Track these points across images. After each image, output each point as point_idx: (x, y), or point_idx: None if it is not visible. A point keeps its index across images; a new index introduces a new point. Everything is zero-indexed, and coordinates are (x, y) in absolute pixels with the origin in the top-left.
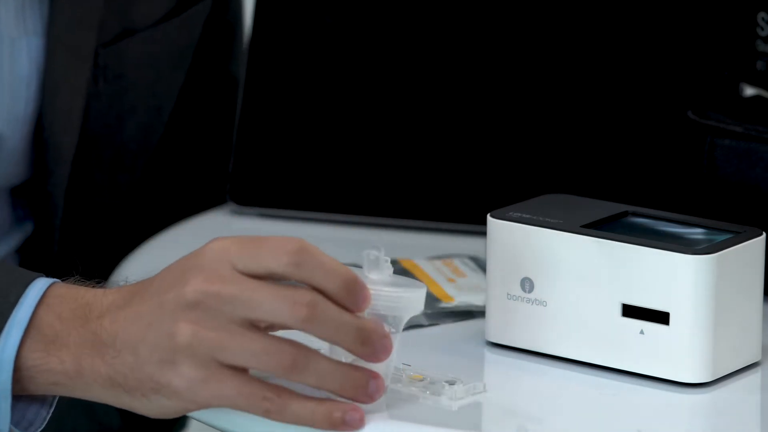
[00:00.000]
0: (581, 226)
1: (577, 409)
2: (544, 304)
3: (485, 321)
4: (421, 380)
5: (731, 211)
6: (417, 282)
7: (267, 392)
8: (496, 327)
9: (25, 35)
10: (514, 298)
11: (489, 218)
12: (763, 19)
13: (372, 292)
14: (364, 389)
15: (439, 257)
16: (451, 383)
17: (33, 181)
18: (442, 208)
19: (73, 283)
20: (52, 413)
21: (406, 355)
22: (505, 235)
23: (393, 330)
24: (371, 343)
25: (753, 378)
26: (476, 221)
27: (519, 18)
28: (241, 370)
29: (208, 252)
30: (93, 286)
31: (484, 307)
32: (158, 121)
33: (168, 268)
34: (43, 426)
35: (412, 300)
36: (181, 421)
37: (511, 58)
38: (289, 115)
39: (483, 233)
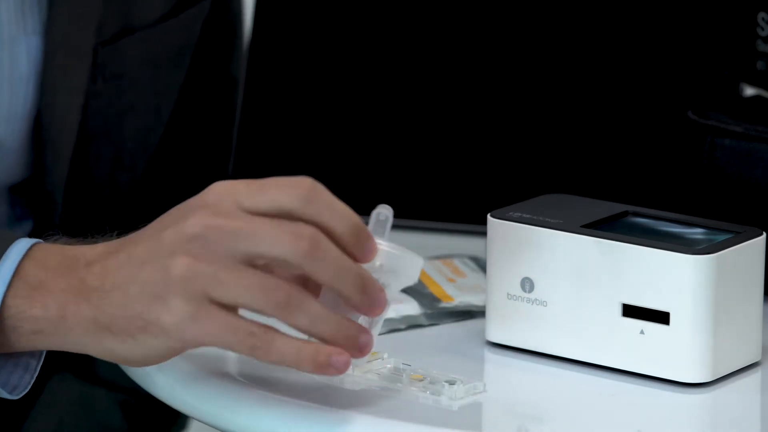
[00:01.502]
0: (581, 226)
1: (577, 409)
2: (545, 304)
3: (485, 321)
4: (421, 380)
5: (731, 211)
6: (414, 255)
7: (254, 328)
8: (496, 327)
9: (24, 34)
10: (514, 298)
11: (489, 218)
12: (763, 19)
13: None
14: (355, 340)
15: (438, 257)
16: (451, 383)
17: (32, 179)
18: (442, 208)
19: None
20: (52, 413)
21: (407, 355)
22: (506, 234)
23: (390, 294)
24: (369, 293)
25: (753, 378)
26: (476, 221)
27: (519, 18)
28: (231, 309)
29: (212, 189)
30: (80, 243)
31: (484, 307)
32: (157, 121)
33: (167, 213)
34: (28, 389)
35: (412, 263)
36: (181, 421)
37: (511, 58)
38: (289, 116)
39: (483, 233)
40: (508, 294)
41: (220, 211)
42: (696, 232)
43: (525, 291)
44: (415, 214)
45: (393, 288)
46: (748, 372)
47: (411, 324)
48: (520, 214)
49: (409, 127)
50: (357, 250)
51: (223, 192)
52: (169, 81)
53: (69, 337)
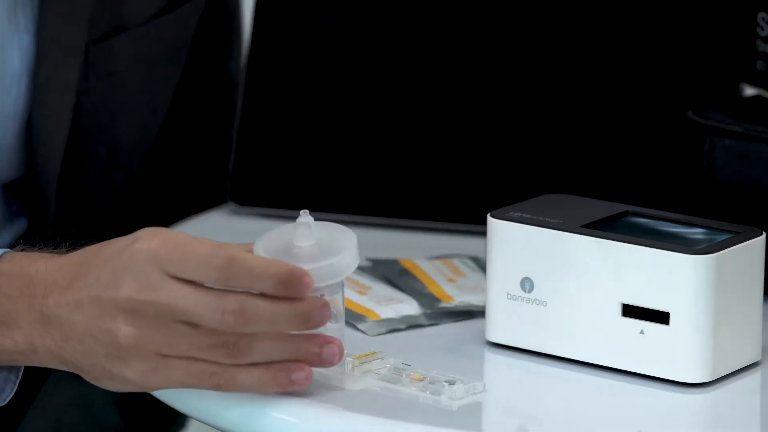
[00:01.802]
0: (581, 226)
1: (577, 409)
2: (545, 304)
3: (485, 321)
4: (421, 380)
5: (731, 211)
6: (344, 234)
7: (214, 368)
8: (496, 327)
9: (17, 32)
10: (515, 298)
11: (489, 218)
12: (763, 19)
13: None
14: (318, 356)
15: (438, 257)
16: (451, 383)
17: (26, 177)
18: (442, 208)
19: (20, 250)
20: (49, 413)
21: (407, 355)
22: (506, 235)
23: (336, 292)
24: (311, 318)
25: (753, 378)
26: (476, 221)
27: (519, 18)
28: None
29: (138, 255)
30: (39, 250)
31: (484, 307)
32: (153, 119)
33: (101, 255)
34: (13, 393)
35: (342, 265)
36: (181, 420)
37: (512, 58)
38: (289, 116)
39: (483, 233)
40: (508, 294)
41: (148, 283)
42: (696, 232)
43: (525, 291)
44: (415, 214)
45: (338, 285)
46: (747, 372)
47: (411, 324)
48: (520, 214)
49: (410, 127)
50: (293, 295)
51: (147, 259)
52: (164, 79)
53: (45, 364)
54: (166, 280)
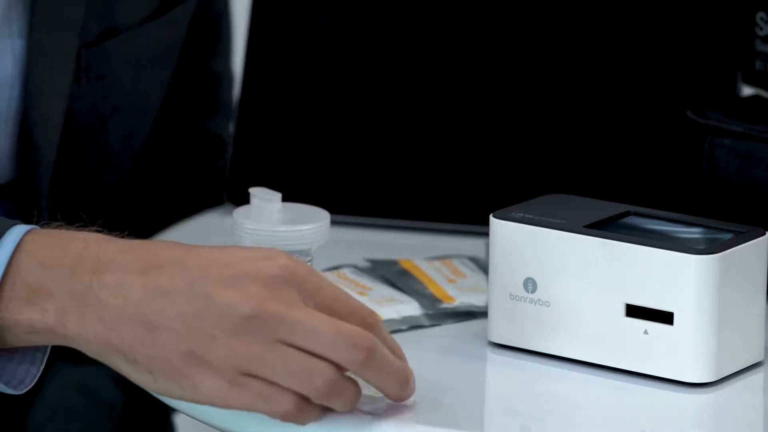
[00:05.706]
0: (584, 227)
1: (581, 409)
2: (547, 304)
3: (488, 321)
4: None
5: (731, 210)
6: (317, 210)
7: (292, 398)
8: (498, 327)
9: (9, 37)
10: (517, 298)
11: (492, 218)
12: (762, 18)
13: (282, 232)
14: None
15: (438, 258)
16: None
17: (18, 180)
18: (442, 208)
19: (56, 228)
20: (51, 398)
21: (408, 356)
22: (508, 235)
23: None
24: (408, 387)
25: (756, 378)
26: (476, 221)
27: (519, 18)
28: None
29: (273, 267)
30: (78, 229)
31: (485, 307)
32: (142, 121)
33: (208, 250)
34: (34, 382)
35: (310, 233)
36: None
37: (512, 58)
38: (287, 116)
39: (483, 233)
40: (510, 294)
41: (283, 297)
42: (699, 232)
43: (528, 291)
44: (415, 214)
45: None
46: (751, 372)
47: (412, 325)
48: (522, 215)
49: (409, 127)
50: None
51: (287, 272)
52: (153, 80)
53: (68, 342)
54: (301, 303)
